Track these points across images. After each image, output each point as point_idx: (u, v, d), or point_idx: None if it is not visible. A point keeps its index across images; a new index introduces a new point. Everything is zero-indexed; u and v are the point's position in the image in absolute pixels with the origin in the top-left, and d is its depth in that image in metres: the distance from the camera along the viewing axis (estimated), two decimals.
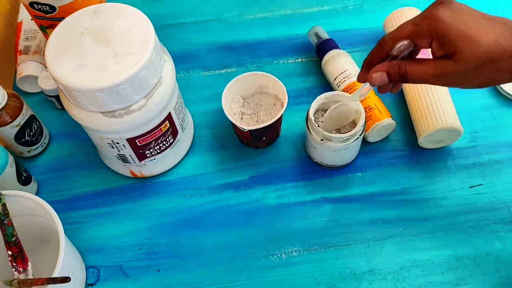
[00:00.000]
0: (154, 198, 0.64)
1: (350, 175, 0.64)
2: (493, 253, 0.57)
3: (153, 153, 0.61)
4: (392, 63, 0.48)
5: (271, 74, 0.63)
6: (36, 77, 0.71)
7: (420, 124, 0.62)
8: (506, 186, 0.61)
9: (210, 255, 0.59)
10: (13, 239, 0.51)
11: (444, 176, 0.63)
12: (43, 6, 0.62)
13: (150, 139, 0.58)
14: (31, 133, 0.65)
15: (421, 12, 0.46)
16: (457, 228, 0.59)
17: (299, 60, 0.75)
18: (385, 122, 0.62)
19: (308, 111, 0.59)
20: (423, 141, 0.63)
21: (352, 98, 0.56)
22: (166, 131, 0.60)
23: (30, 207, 0.54)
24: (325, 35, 0.72)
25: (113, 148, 0.59)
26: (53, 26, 0.64)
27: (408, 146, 0.65)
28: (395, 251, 0.58)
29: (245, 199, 0.63)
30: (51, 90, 0.68)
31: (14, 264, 0.51)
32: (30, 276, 0.51)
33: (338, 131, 0.62)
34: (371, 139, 0.65)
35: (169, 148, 0.62)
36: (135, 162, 0.62)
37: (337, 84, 0.67)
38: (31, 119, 0.65)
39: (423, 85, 0.63)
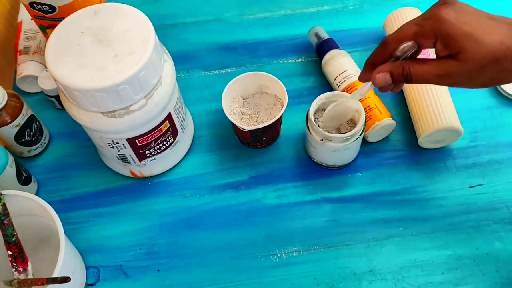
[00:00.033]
0: (154, 198, 0.64)
1: (350, 175, 0.64)
2: (493, 253, 0.57)
3: (153, 153, 0.61)
4: (395, 63, 0.47)
5: (271, 74, 0.63)
6: (36, 77, 0.71)
7: (420, 124, 0.62)
8: (506, 186, 0.61)
9: (210, 255, 0.59)
10: (13, 239, 0.51)
11: (444, 176, 0.63)
12: (43, 6, 0.62)
13: (150, 139, 0.58)
14: (31, 133, 0.65)
15: (424, 12, 0.46)
16: (457, 228, 0.59)
17: (299, 60, 0.75)
18: (385, 122, 0.62)
19: (308, 111, 0.59)
20: (423, 141, 0.63)
21: (352, 97, 0.56)
22: (166, 131, 0.60)
23: (30, 207, 0.54)
24: (325, 35, 0.72)
25: (113, 148, 0.59)
26: (53, 26, 0.64)
27: (408, 146, 0.65)
28: (395, 251, 0.58)
29: (245, 199, 0.63)
30: (51, 90, 0.68)
31: (14, 264, 0.51)
32: (30, 276, 0.51)
33: (338, 131, 0.62)
34: (371, 139, 0.65)
35: (169, 148, 0.62)
36: (135, 162, 0.62)
37: (337, 84, 0.67)
38: (31, 119, 0.65)
39: (423, 85, 0.63)
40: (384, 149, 0.65)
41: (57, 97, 0.70)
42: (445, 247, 0.58)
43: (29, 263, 0.52)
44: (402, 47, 0.46)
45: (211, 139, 0.68)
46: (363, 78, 0.51)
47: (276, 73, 0.64)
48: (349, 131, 0.58)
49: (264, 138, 0.64)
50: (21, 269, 0.51)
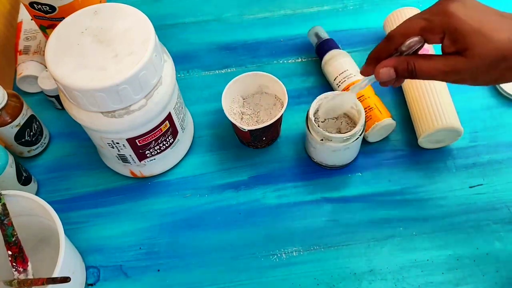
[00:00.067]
0: (154, 198, 0.64)
1: (350, 175, 0.64)
2: (493, 253, 0.57)
3: (153, 153, 0.61)
4: (400, 58, 0.47)
5: (271, 74, 0.63)
6: (36, 77, 0.71)
7: (420, 124, 0.62)
8: (506, 186, 0.61)
9: (210, 255, 0.59)
10: (13, 239, 0.51)
11: (444, 176, 0.63)
12: (43, 6, 0.62)
13: (150, 139, 0.58)
14: (31, 133, 0.65)
15: (431, 7, 0.45)
16: (457, 228, 0.59)
17: (299, 60, 0.75)
18: (385, 122, 0.62)
19: (308, 111, 0.59)
20: (423, 141, 0.63)
21: (351, 91, 0.56)
22: (166, 131, 0.60)
23: (30, 207, 0.54)
24: (325, 35, 0.72)
25: (113, 148, 0.59)
26: (53, 26, 0.64)
27: (408, 146, 0.65)
28: (395, 251, 0.58)
29: (245, 199, 0.63)
30: (51, 90, 0.68)
31: (14, 264, 0.51)
32: (30, 276, 0.51)
33: (338, 131, 0.62)
34: (371, 139, 0.65)
35: (169, 148, 0.62)
36: (135, 162, 0.62)
37: (337, 84, 0.67)
38: (31, 119, 0.65)
39: (423, 85, 0.63)
40: (384, 149, 0.65)
41: (57, 97, 0.70)
42: (445, 247, 0.58)
43: (29, 263, 0.52)
44: (408, 42, 0.45)
45: (211, 139, 0.68)
46: (365, 71, 0.50)
47: (276, 73, 0.63)
48: (349, 131, 0.58)
49: (264, 138, 0.64)
50: (21, 269, 0.51)
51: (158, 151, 0.61)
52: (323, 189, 0.63)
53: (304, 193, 0.63)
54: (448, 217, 0.60)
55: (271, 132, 0.64)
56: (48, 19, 0.64)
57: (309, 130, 0.59)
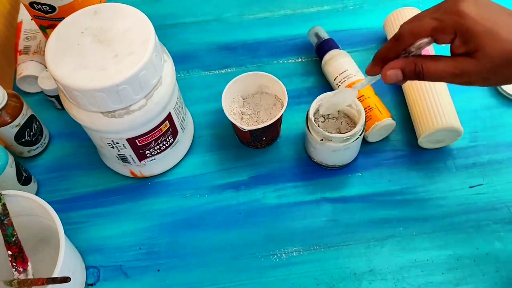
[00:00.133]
0: (154, 198, 0.64)
1: (350, 175, 0.64)
2: (493, 253, 0.57)
3: (153, 153, 0.61)
4: (407, 60, 0.45)
5: (271, 74, 0.63)
6: (36, 77, 0.71)
7: (420, 124, 0.62)
8: (506, 186, 0.61)
9: (210, 255, 0.59)
10: (13, 239, 0.51)
11: (444, 176, 0.63)
12: (43, 6, 0.62)
13: (150, 139, 0.58)
14: (31, 133, 0.65)
15: (440, 6, 0.44)
16: (457, 228, 0.59)
17: (299, 60, 0.75)
18: (385, 122, 0.62)
19: (308, 111, 0.59)
20: (423, 141, 0.63)
21: (354, 88, 0.55)
22: (166, 131, 0.60)
23: (30, 207, 0.54)
24: (325, 35, 0.72)
25: (113, 148, 0.59)
26: (53, 26, 0.64)
27: (408, 146, 0.65)
28: (395, 251, 0.58)
29: (245, 199, 0.63)
30: (51, 90, 0.68)
31: (14, 264, 0.51)
32: (30, 276, 0.51)
33: (338, 131, 0.62)
34: (371, 139, 0.65)
35: (169, 148, 0.62)
36: (135, 162, 0.62)
37: (337, 84, 0.67)
38: (31, 119, 0.65)
39: (423, 85, 0.63)
40: (384, 149, 0.65)
41: (57, 97, 0.70)
42: (445, 247, 0.58)
43: (29, 263, 0.52)
44: (418, 43, 0.44)
45: (211, 139, 0.68)
46: (371, 71, 0.49)
47: (276, 73, 0.63)
48: (349, 131, 0.58)
49: (264, 138, 0.64)
50: (21, 269, 0.51)
51: (158, 151, 0.61)
52: (323, 189, 0.63)
53: (304, 193, 0.63)
54: (448, 217, 0.60)
55: (271, 132, 0.64)
56: (48, 19, 0.64)
57: (309, 130, 0.59)
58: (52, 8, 0.62)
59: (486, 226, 0.59)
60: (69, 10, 0.62)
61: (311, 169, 0.64)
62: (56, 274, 0.48)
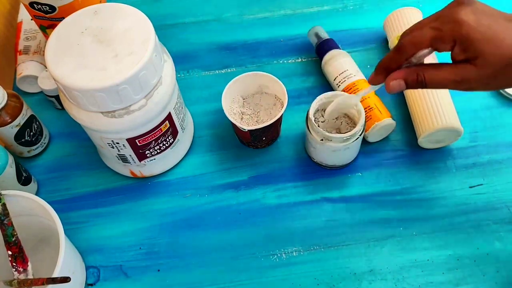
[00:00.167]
0: (154, 198, 0.64)
1: (350, 175, 0.64)
2: (493, 253, 0.57)
3: (153, 153, 0.61)
4: (409, 70, 0.46)
5: (271, 74, 0.63)
6: (36, 77, 0.71)
7: (420, 124, 0.62)
8: (506, 186, 0.61)
9: (210, 255, 0.59)
10: (13, 239, 0.51)
11: (444, 176, 0.63)
12: (43, 6, 0.62)
13: (150, 139, 0.58)
14: (31, 133, 0.65)
15: (439, 14, 0.45)
16: (457, 228, 0.59)
17: (299, 60, 0.75)
18: (385, 122, 0.62)
19: (308, 111, 0.59)
20: (423, 141, 0.63)
21: (358, 95, 0.56)
22: (166, 131, 0.60)
23: (30, 207, 0.54)
24: (325, 35, 0.72)
25: (113, 148, 0.59)
26: (53, 26, 0.64)
27: (408, 146, 0.65)
28: (395, 251, 0.58)
29: (245, 199, 0.63)
30: (51, 90, 0.68)
31: (14, 264, 0.51)
32: (30, 276, 0.51)
33: (338, 131, 0.62)
34: (371, 139, 0.65)
35: (169, 148, 0.62)
36: (135, 162, 0.62)
37: (337, 84, 0.67)
38: (31, 119, 0.65)
39: None
40: (384, 149, 0.65)
41: (57, 97, 0.70)
42: (445, 247, 0.58)
43: (29, 263, 0.52)
44: (419, 55, 0.45)
45: (211, 139, 0.68)
46: (374, 81, 0.50)
47: (276, 73, 0.64)
48: (349, 131, 0.58)
49: (264, 138, 0.64)
50: (21, 269, 0.51)
51: (158, 151, 0.61)
52: (323, 189, 0.63)
53: (304, 193, 0.63)
54: (448, 217, 0.60)
55: (271, 132, 0.64)
56: (48, 19, 0.64)
57: (309, 130, 0.59)
58: (52, 8, 0.62)
59: (486, 226, 0.59)
60: (69, 10, 0.62)
61: (311, 169, 0.64)
62: (56, 274, 0.48)
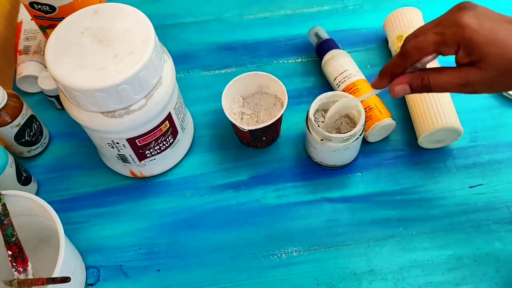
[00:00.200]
0: (154, 198, 0.64)
1: (350, 175, 0.64)
2: (493, 253, 0.57)
3: (153, 153, 0.61)
4: (414, 74, 0.47)
5: (271, 74, 0.63)
6: (36, 77, 0.71)
7: (420, 124, 0.62)
8: (506, 186, 0.61)
9: (210, 255, 0.59)
10: (13, 239, 0.51)
11: (444, 176, 0.63)
12: (43, 6, 0.62)
13: (150, 139, 0.58)
14: (31, 133, 0.65)
15: (442, 18, 0.45)
16: (457, 228, 0.59)
17: (299, 60, 0.75)
18: (385, 122, 0.62)
19: (308, 111, 0.59)
20: (423, 141, 0.63)
21: (359, 98, 0.56)
22: (166, 131, 0.60)
23: (30, 207, 0.54)
24: (325, 35, 0.72)
25: (113, 148, 0.59)
26: (53, 26, 0.64)
27: (408, 146, 0.65)
28: (395, 251, 0.58)
29: (245, 199, 0.63)
30: (51, 90, 0.68)
31: (14, 264, 0.51)
32: (30, 276, 0.51)
33: (338, 131, 0.62)
34: (371, 139, 0.65)
35: (169, 148, 0.62)
36: (135, 162, 0.62)
37: (337, 84, 0.67)
38: (31, 119, 0.65)
39: None
40: (384, 149, 0.65)
41: (57, 97, 0.70)
42: (445, 247, 0.58)
43: (29, 263, 0.52)
44: (424, 60, 0.46)
45: (211, 139, 0.68)
46: (378, 85, 0.50)
47: (276, 73, 0.63)
48: (349, 131, 0.58)
49: (264, 138, 0.64)
50: (21, 269, 0.51)
51: (158, 151, 0.61)
52: (323, 189, 0.63)
53: (304, 193, 0.63)
54: (448, 217, 0.60)
55: (271, 132, 0.64)
56: (48, 19, 0.64)
57: (309, 130, 0.59)
58: (52, 8, 0.62)
59: (486, 226, 0.59)
60: (69, 10, 0.62)
61: (311, 169, 0.64)
62: (56, 274, 0.48)
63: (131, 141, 0.57)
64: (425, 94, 0.62)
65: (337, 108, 0.57)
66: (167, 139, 0.61)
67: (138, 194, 0.64)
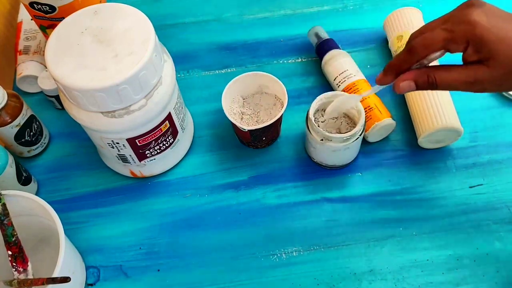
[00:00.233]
0: (154, 198, 0.64)
1: (350, 175, 0.64)
2: (493, 253, 0.57)
3: (153, 153, 0.61)
4: (420, 71, 0.46)
5: (271, 74, 0.63)
6: (36, 77, 0.71)
7: (420, 124, 0.62)
8: (506, 186, 0.61)
9: (210, 255, 0.59)
10: (13, 239, 0.51)
11: (444, 176, 0.63)
12: (43, 6, 0.62)
13: (150, 139, 0.58)
14: (31, 133, 0.65)
15: (450, 15, 0.44)
16: (457, 228, 0.59)
17: (299, 60, 0.75)
18: (385, 122, 0.62)
19: (308, 111, 0.59)
20: (423, 141, 0.63)
21: (360, 95, 0.56)
22: (166, 131, 0.60)
23: (30, 207, 0.54)
24: (325, 35, 0.72)
25: (113, 148, 0.59)
26: (53, 26, 0.64)
27: (408, 146, 0.65)
28: (395, 251, 0.58)
29: (245, 199, 0.63)
30: (51, 90, 0.68)
31: (14, 264, 0.51)
32: (30, 276, 0.51)
33: (338, 131, 0.62)
34: (371, 139, 0.65)
35: (169, 148, 0.62)
36: (135, 162, 0.62)
37: (337, 84, 0.67)
38: (31, 119, 0.65)
39: None
40: (384, 149, 0.65)
41: (57, 97, 0.70)
42: (445, 247, 0.58)
43: (29, 263, 0.52)
44: (431, 57, 0.45)
45: (211, 139, 0.68)
46: (383, 81, 0.49)
47: (276, 73, 0.63)
48: (349, 131, 0.58)
49: (264, 138, 0.64)
50: (21, 269, 0.51)
51: (158, 151, 0.61)
52: (323, 189, 0.63)
53: (304, 193, 0.63)
54: (448, 217, 0.60)
55: (271, 132, 0.64)
56: (48, 19, 0.64)
57: (309, 130, 0.59)
58: (52, 8, 0.62)
59: (486, 226, 0.59)
60: (69, 10, 0.62)
61: (311, 169, 0.64)
62: (56, 274, 0.48)
63: (131, 141, 0.57)
64: (425, 93, 0.63)
65: (337, 104, 0.57)
66: (167, 139, 0.61)
67: (138, 194, 0.64)
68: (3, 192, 0.53)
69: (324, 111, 0.62)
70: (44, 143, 0.68)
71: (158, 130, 0.58)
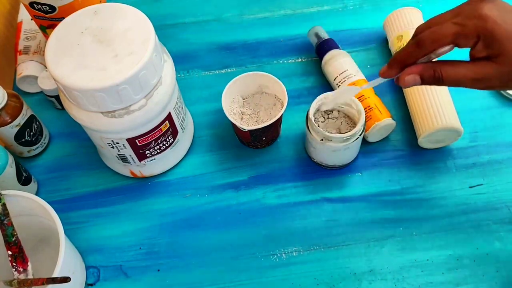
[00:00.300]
0: (154, 198, 0.64)
1: (350, 175, 0.64)
2: (493, 253, 0.57)
3: (153, 153, 0.61)
4: (426, 65, 0.45)
5: (271, 74, 0.63)
6: (36, 77, 0.71)
7: (420, 124, 0.62)
8: (506, 186, 0.61)
9: (210, 255, 0.59)
10: (13, 239, 0.51)
11: (444, 176, 0.63)
12: (43, 6, 0.62)
13: (150, 139, 0.58)
14: (31, 133, 0.65)
15: (459, 11, 0.43)
16: (457, 228, 0.59)
17: (299, 60, 0.75)
18: (385, 122, 0.62)
19: (308, 111, 0.59)
20: (423, 141, 0.63)
21: (361, 87, 0.55)
22: (166, 131, 0.60)
23: (30, 207, 0.54)
24: (325, 35, 0.72)
25: (113, 148, 0.59)
26: (53, 26, 0.64)
27: (408, 146, 0.65)
28: (395, 251, 0.58)
29: (245, 199, 0.63)
30: (51, 90, 0.68)
31: (14, 264, 0.51)
32: (30, 276, 0.51)
33: (338, 131, 0.62)
34: (371, 139, 0.65)
35: (169, 148, 0.62)
36: (135, 162, 0.62)
37: (337, 84, 0.67)
38: (31, 119, 0.65)
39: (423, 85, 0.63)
40: (384, 149, 0.65)
41: (57, 97, 0.70)
42: (445, 247, 0.58)
43: (29, 263, 0.52)
44: (440, 51, 0.44)
45: (211, 139, 0.68)
46: (387, 74, 0.48)
47: (276, 73, 0.64)
48: (349, 131, 0.58)
49: (264, 138, 0.64)
50: (21, 269, 0.51)
51: (158, 151, 0.61)
52: (323, 189, 0.63)
53: (304, 193, 0.63)
54: (448, 217, 0.60)
55: (271, 132, 0.64)
56: (48, 19, 0.64)
57: (309, 130, 0.59)
58: (52, 8, 0.62)
59: (486, 226, 0.59)
60: (69, 10, 0.62)
61: (311, 169, 0.64)
62: (56, 274, 0.48)
63: (131, 141, 0.57)
64: (425, 93, 0.63)
65: (338, 94, 0.57)
66: (167, 139, 0.61)
67: (138, 194, 0.64)
68: (3, 192, 0.53)
69: (324, 111, 0.62)
70: (44, 143, 0.68)
71: (158, 130, 0.58)
